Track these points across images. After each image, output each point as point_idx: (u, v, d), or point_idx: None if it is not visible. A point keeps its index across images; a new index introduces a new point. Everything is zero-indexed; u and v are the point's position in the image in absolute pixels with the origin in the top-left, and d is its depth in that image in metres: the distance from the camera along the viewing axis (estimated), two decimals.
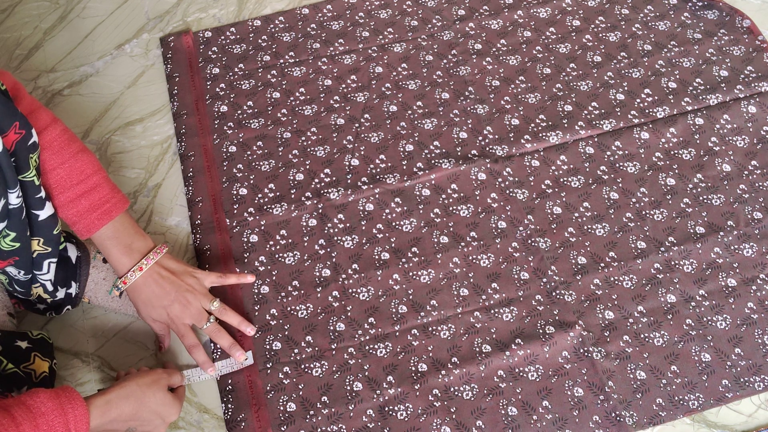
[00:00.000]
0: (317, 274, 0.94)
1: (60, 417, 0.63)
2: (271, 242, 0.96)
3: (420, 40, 1.14)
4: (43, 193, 0.75)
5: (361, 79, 1.10)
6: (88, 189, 0.79)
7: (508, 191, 1.00)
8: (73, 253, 0.86)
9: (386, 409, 0.85)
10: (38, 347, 0.80)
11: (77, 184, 0.78)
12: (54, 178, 0.77)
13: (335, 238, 0.96)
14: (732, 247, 0.95)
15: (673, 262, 0.94)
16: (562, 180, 1.01)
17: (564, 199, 0.99)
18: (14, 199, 0.70)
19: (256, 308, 0.92)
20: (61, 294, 0.85)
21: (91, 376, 0.88)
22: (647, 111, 1.06)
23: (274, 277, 0.94)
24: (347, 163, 1.02)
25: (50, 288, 0.82)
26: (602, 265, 0.94)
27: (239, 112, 1.07)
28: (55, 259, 0.81)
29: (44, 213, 0.76)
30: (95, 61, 1.13)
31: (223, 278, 0.89)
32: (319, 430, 0.84)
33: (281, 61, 1.12)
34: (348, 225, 0.97)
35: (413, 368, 0.87)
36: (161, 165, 1.04)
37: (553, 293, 0.92)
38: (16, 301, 0.87)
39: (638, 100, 1.07)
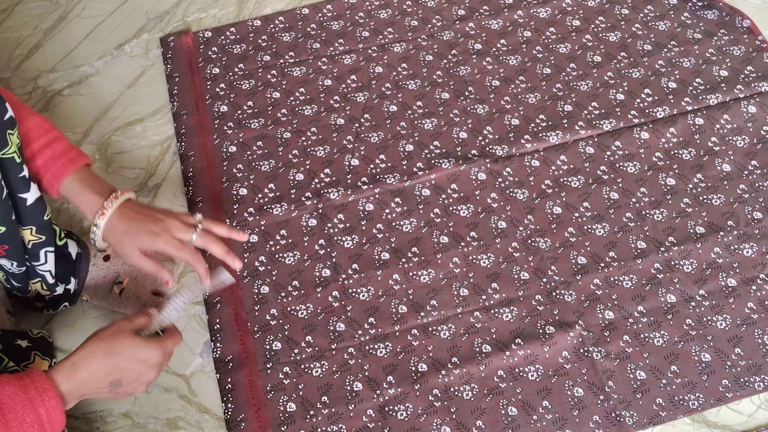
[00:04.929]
0: (317, 274, 0.94)
1: (30, 411, 0.61)
2: (271, 242, 0.96)
3: (420, 40, 1.14)
4: (26, 173, 0.73)
5: (361, 79, 1.10)
6: (50, 140, 0.76)
7: (508, 191, 1.00)
8: (73, 249, 0.86)
9: (386, 409, 0.85)
10: (38, 346, 0.80)
11: (39, 137, 0.76)
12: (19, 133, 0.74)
13: (335, 238, 0.96)
14: (732, 247, 0.95)
15: (673, 262, 0.94)
16: (562, 180, 1.01)
17: (564, 199, 0.99)
18: None
19: (256, 308, 0.92)
20: (60, 290, 0.84)
21: None
22: (647, 111, 1.06)
23: (274, 277, 0.94)
24: (347, 163, 1.02)
25: (50, 281, 0.82)
26: (602, 265, 0.94)
27: (239, 112, 1.07)
28: (51, 248, 0.80)
29: (31, 197, 0.74)
30: (95, 61, 1.13)
31: (208, 223, 0.80)
32: (319, 430, 0.84)
33: (281, 61, 1.12)
34: (348, 225, 0.97)
35: (413, 368, 0.87)
36: (161, 165, 1.04)
37: (553, 293, 0.92)
38: (14, 300, 0.87)
39: (638, 100, 1.07)
